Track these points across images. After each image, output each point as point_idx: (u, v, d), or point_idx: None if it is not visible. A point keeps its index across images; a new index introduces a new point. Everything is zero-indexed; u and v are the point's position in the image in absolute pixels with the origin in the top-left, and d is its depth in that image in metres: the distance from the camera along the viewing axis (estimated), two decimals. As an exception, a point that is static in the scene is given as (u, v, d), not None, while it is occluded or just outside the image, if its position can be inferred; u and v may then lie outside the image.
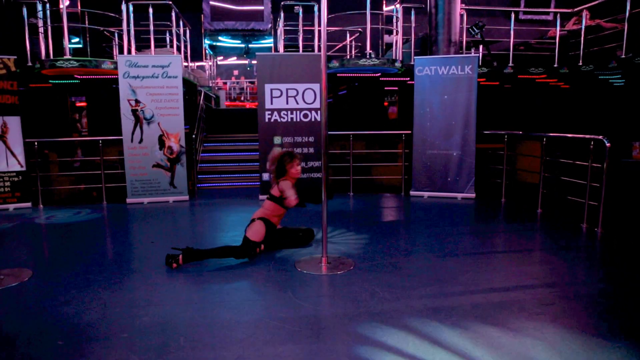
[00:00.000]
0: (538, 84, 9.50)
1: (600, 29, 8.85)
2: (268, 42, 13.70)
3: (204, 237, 5.21)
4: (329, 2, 3.98)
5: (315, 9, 8.19)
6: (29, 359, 2.57)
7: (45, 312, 3.15)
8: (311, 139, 7.25)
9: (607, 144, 5.00)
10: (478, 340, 2.68)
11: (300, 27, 8.76)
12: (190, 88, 9.64)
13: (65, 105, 9.79)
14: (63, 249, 4.82)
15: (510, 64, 8.69)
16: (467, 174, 7.10)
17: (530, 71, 8.87)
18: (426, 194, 7.35)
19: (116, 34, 9.31)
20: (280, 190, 4.23)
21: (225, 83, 19.98)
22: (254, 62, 14.22)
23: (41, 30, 7.54)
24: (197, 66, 12.95)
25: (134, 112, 6.94)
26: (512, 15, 8.73)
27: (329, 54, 10.43)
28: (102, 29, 9.37)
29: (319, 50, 7.24)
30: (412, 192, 7.46)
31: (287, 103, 7.13)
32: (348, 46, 10.65)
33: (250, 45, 14.51)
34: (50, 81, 8.80)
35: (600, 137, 5.13)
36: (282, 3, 9.09)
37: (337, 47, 11.23)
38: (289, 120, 7.16)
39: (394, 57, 8.62)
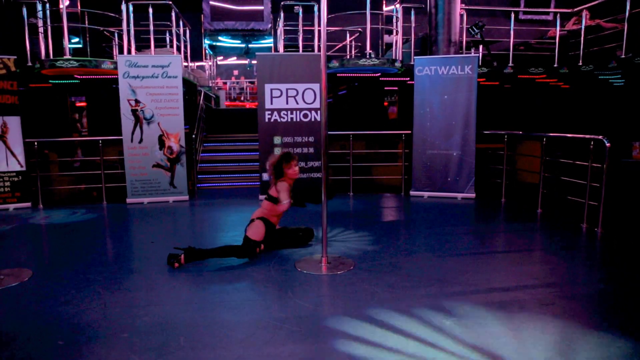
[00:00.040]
0: (538, 84, 9.50)
1: (600, 29, 8.85)
2: (268, 42, 13.70)
3: (204, 237, 5.21)
4: (329, 2, 3.98)
5: (315, 9, 8.19)
6: (29, 359, 2.57)
7: (45, 312, 3.15)
8: (311, 139, 7.25)
9: (607, 144, 5.00)
10: (478, 341, 2.68)
11: (300, 27, 8.76)
12: (190, 88, 9.64)
13: (65, 105, 9.79)
14: (63, 249, 4.82)
15: (510, 64, 8.69)
16: (467, 174, 7.10)
17: (530, 71, 8.87)
18: (426, 194, 7.35)
19: (116, 34, 9.31)
20: (276, 191, 4.26)
21: (225, 83, 19.98)
22: (254, 62, 14.22)
23: (41, 30, 7.54)
24: (197, 66, 12.95)
25: (134, 112, 6.94)
26: (512, 15, 8.73)
27: (329, 54, 10.42)
28: (102, 29, 9.36)
29: (319, 50, 7.24)
30: (412, 192, 7.46)
31: (287, 103, 7.13)
32: (348, 46, 10.65)
33: (250, 45, 14.51)
34: (50, 81, 8.80)
35: (600, 137, 5.13)
36: (282, 3, 9.09)
37: (337, 47, 11.23)
38: (289, 120, 7.16)
39: (394, 57, 8.62)
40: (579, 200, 5.55)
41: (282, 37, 9.25)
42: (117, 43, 9.45)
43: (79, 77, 8.44)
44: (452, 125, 7.11)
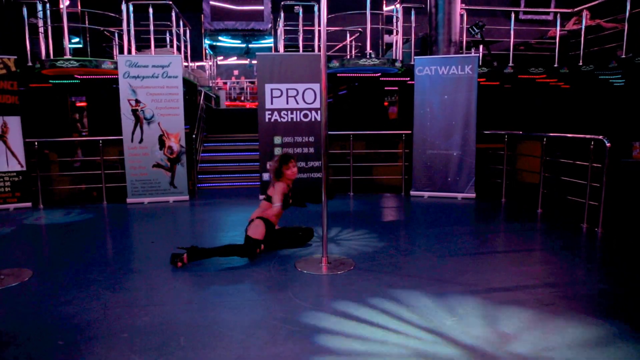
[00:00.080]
0: (538, 84, 9.50)
1: (600, 29, 8.85)
2: (268, 42, 13.70)
3: (204, 237, 5.21)
4: (329, 2, 3.98)
5: (315, 8, 8.18)
6: (29, 359, 2.57)
7: (45, 312, 3.15)
8: (311, 139, 7.25)
9: (607, 144, 5.00)
10: (478, 340, 2.68)
11: (300, 27, 8.76)
12: (190, 88, 9.64)
13: (66, 105, 9.79)
14: (63, 249, 4.82)
15: (511, 64, 8.69)
16: (467, 174, 7.10)
17: (530, 71, 8.87)
18: (426, 194, 7.35)
19: (116, 34, 9.32)
20: (273, 192, 4.31)
21: (225, 83, 19.97)
22: (254, 62, 14.22)
23: (41, 30, 7.54)
24: (197, 66, 12.95)
25: (134, 112, 6.94)
26: (512, 15, 8.73)
27: (329, 54, 10.42)
28: (102, 29, 9.37)
29: (319, 50, 7.23)
30: (412, 192, 7.46)
31: (287, 103, 7.13)
32: (348, 46, 10.65)
33: (250, 45, 14.50)
34: (51, 81, 8.80)
35: (601, 137, 5.13)
36: (282, 3, 9.09)
37: (337, 47, 11.23)
38: (289, 120, 7.16)
39: (394, 57, 8.61)
40: (579, 200, 5.55)
41: (282, 37, 9.25)
42: (117, 43, 9.46)
43: (79, 77, 8.44)
44: (452, 125, 7.11)
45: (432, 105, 7.21)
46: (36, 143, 7.06)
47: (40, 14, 7.64)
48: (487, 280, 3.67)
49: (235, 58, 19.17)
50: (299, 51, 8.73)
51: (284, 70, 7.07)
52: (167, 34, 9.81)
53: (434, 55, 7.78)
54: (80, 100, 10.49)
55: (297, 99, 7.14)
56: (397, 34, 8.69)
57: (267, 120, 7.12)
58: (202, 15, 12.40)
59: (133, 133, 6.98)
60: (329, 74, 7.57)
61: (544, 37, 10.54)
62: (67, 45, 7.35)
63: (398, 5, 8.73)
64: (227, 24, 12.46)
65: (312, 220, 5.52)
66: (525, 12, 12.75)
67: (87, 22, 9.69)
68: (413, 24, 8.77)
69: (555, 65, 8.77)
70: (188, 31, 9.89)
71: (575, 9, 8.88)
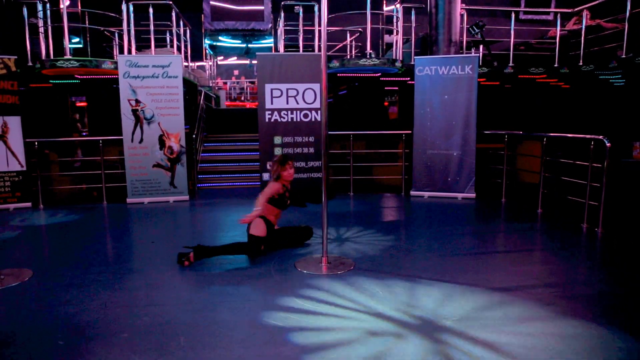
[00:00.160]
0: (538, 84, 9.50)
1: (600, 29, 8.84)
2: (268, 42, 13.69)
3: (205, 237, 5.21)
4: (329, 2, 3.98)
5: (316, 8, 8.18)
6: (29, 359, 2.57)
7: (45, 312, 3.16)
8: (311, 139, 7.25)
9: (608, 144, 5.00)
10: (478, 340, 2.68)
11: (301, 27, 8.76)
12: (190, 88, 9.64)
13: (66, 105, 9.79)
14: (63, 249, 4.82)
15: (511, 64, 8.68)
16: (468, 174, 7.10)
17: (530, 71, 8.86)
18: (426, 194, 7.35)
19: (116, 34, 9.32)
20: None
21: (225, 83, 19.96)
22: (254, 62, 14.21)
23: (41, 30, 7.54)
24: (198, 66, 12.95)
25: (134, 112, 6.95)
26: (513, 15, 8.72)
27: (329, 54, 10.42)
28: (102, 29, 9.37)
29: (319, 50, 7.23)
30: (412, 192, 7.46)
31: (287, 103, 7.13)
32: (348, 46, 10.64)
33: (250, 45, 14.50)
34: (51, 81, 8.80)
35: (601, 137, 5.13)
36: (282, 3, 9.09)
37: (338, 47, 11.23)
38: (289, 120, 7.16)
39: (394, 57, 8.61)
40: (579, 200, 5.55)
41: (283, 37, 9.25)
42: (117, 43, 9.46)
43: (79, 77, 8.44)
44: (453, 125, 7.11)
45: (432, 105, 7.20)
46: (36, 143, 7.07)
47: (40, 14, 7.64)
48: (487, 280, 3.67)
49: (235, 58, 19.17)
50: (299, 51, 8.73)
51: (284, 70, 7.07)
52: (167, 34, 9.81)
53: (434, 55, 7.77)
54: (80, 100, 10.49)
55: (297, 99, 7.13)
56: (397, 34, 8.69)
57: (267, 120, 7.12)
58: (202, 15, 12.40)
59: (133, 133, 6.99)
60: (329, 74, 7.57)
61: (544, 37, 10.53)
62: (67, 45, 7.35)
63: (398, 5, 8.73)
64: (227, 24, 12.46)
65: (312, 221, 5.52)
66: (525, 12, 12.75)
67: (87, 22, 9.69)
68: (413, 24, 8.76)
69: (556, 65, 8.76)
70: (188, 31, 9.89)
71: (576, 9, 8.88)
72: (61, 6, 7.23)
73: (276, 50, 11.06)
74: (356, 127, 8.52)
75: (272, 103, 7.10)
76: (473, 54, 8.26)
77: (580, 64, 8.40)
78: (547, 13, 12.88)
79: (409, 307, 3.16)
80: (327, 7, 3.89)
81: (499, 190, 7.15)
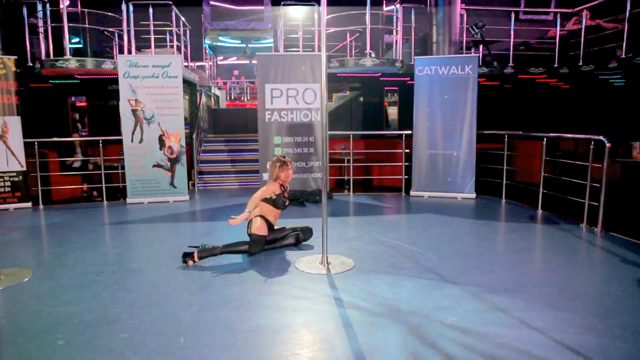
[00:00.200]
0: (538, 84, 9.51)
1: (600, 29, 8.85)
2: (268, 42, 13.70)
3: (205, 237, 5.20)
4: (329, 2, 3.98)
5: (316, 8, 8.18)
6: (29, 359, 2.57)
7: (45, 312, 3.15)
8: (311, 139, 7.25)
9: (607, 144, 5.00)
10: (478, 340, 2.68)
11: (301, 27, 8.76)
12: (190, 88, 9.65)
13: (66, 105, 9.79)
14: (63, 249, 4.82)
15: (511, 64, 8.69)
16: (468, 174, 7.10)
17: (530, 71, 8.87)
18: (426, 194, 7.35)
19: (116, 34, 9.31)
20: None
21: (225, 83, 19.95)
22: (254, 62, 14.21)
23: (41, 30, 7.54)
24: (198, 66, 12.94)
25: (134, 112, 6.94)
26: (512, 15, 8.74)
27: (329, 53, 10.42)
28: (102, 29, 9.37)
29: (319, 50, 7.24)
30: (412, 192, 7.46)
31: (287, 103, 7.13)
32: (348, 46, 10.65)
33: (250, 45, 14.50)
34: (51, 81, 8.81)
35: (601, 137, 5.13)
36: (282, 3, 9.08)
37: (337, 47, 11.23)
38: (289, 120, 7.16)
39: (394, 57, 8.62)
40: (579, 200, 5.55)
41: (283, 37, 9.25)
42: (117, 43, 9.46)
43: (79, 77, 8.44)
44: (453, 125, 7.11)
45: (432, 105, 7.20)
46: (36, 143, 7.06)
47: (40, 14, 7.65)
48: (487, 280, 3.67)
49: (235, 58, 19.16)
50: (299, 51, 8.73)
51: (284, 71, 7.07)
52: (167, 34, 9.81)
53: (434, 55, 7.78)
54: (80, 100, 10.49)
55: (297, 99, 7.14)
56: (397, 34, 8.70)
57: (267, 120, 7.12)
58: (202, 15, 12.41)
59: (133, 133, 6.98)
60: (329, 74, 7.58)
61: (544, 37, 10.54)
62: (67, 45, 7.35)
63: (398, 5, 8.74)
64: (227, 23, 12.46)
65: (312, 220, 5.52)
66: (525, 12, 12.74)
67: (87, 22, 9.70)
68: (413, 24, 8.77)
69: (555, 65, 8.77)
70: (188, 31, 9.89)
71: (575, 9, 8.89)
72: (61, 6, 7.24)
73: (276, 50, 11.07)
74: (356, 127, 8.52)
75: (272, 103, 7.11)
76: (473, 54, 8.27)
77: (580, 64, 8.40)
78: (547, 13, 12.88)
79: (409, 306, 3.16)
80: (327, 7, 3.89)
81: (499, 190, 7.15)
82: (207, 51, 13.83)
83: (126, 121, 6.94)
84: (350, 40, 10.53)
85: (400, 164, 7.93)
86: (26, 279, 3.79)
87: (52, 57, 7.44)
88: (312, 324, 2.93)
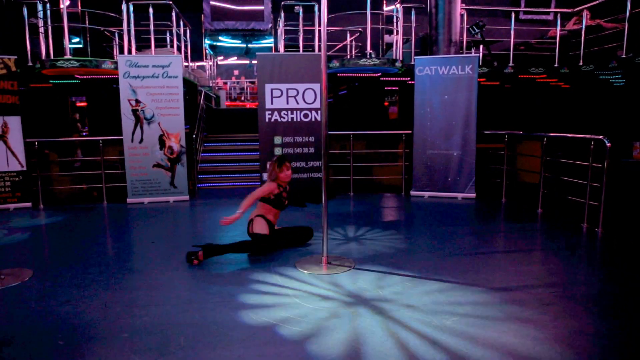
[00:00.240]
0: (538, 84, 9.50)
1: (600, 28, 8.85)
2: (268, 42, 13.70)
3: (205, 237, 5.21)
4: (329, 2, 3.98)
5: (316, 8, 8.18)
6: (29, 359, 2.57)
7: (45, 312, 3.16)
8: (311, 138, 7.25)
9: (608, 144, 5.00)
10: (478, 341, 2.68)
11: (301, 27, 8.75)
12: (190, 88, 9.64)
13: (66, 105, 9.79)
14: (63, 249, 4.82)
15: (511, 64, 8.68)
16: (468, 174, 7.10)
17: (530, 71, 8.86)
18: (426, 194, 7.35)
19: (116, 34, 9.32)
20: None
21: (225, 83, 19.95)
22: (254, 62, 14.21)
23: (41, 30, 7.54)
24: (198, 66, 12.95)
25: (135, 112, 6.95)
26: (513, 15, 8.72)
27: (329, 54, 10.42)
28: (102, 29, 9.37)
29: (319, 50, 7.23)
30: (412, 192, 7.46)
31: (287, 103, 7.13)
32: (348, 46, 10.65)
33: (250, 45, 14.50)
34: (51, 81, 8.80)
35: (601, 137, 5.13)
36: (282, 3, 9.09)
37: (338, 47, 11.23)
38: (289, 120, 7.16)
39: (394, 57, 8.61)
40: (579, 200, 5.55)
41: (283, 37, 9.25)
42: (117, 43, 9.46)
43: (79, 77, 8.44)
44: (453, 125, 7.11)
45: (432, 105, 7.20)
46: (36, 143, 7.07)
47: (40, 14, 7.64)
48: (487, 280, 3.67)
49: (235, 58, 19.17)
50: (299, 51, 8.73)
51: (284, 70, 7.07)
52: (168, 34, 9.81)
53: (434, 55, 7.78)
54: (80, 100, 10.49)
55: (297, 99, 7.14)
56: (397, 34, 8.69)
57: (267, 120, 7.12)
58: (202, 15, 12.41)
59: (133, 133, 6.99)
60: (329, 74, 7.57)
61: (544, 37, 10.54)
62: (67, 45, 7.35)
63: (398, 5, 8.73)
64: (227, 24, 12.46)
65: (312, 221, 5.52)
66: (525, 12, 12.75)
67: (87, 22, 9.69)
68: (413, 24, 8.76)
69: (556, 65, 8.76)
70: (188, 31, 9.89)
71: (576, 9, 8.88)
72: (61, 6, 7.23)
73: (276, 50, 11.07)
74: (356, 127, 8.52)
75: (272, 103, 7.11)
76: (473, 54, 8.27)
77: (580, 64, 8.40)
78: (547, 13, 12.88)
79: (410, 307, 3.16)
80: (327, 7, 3.89)
81: (499, 190, 7.15)
82: (207, 51, 13.83)
83: (126, 121, 6.94)
84: (351, 40, 10.53)
85: (400, 164, 7.94)
86: (26, 279, 3.79)
87: (52, 57, 7.44)
88: (313, 324, 2.93)
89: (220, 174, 8.99)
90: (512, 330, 2.80)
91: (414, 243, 4.92)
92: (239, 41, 14.15)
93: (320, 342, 2.70)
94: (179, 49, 9.03)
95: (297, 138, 7.22)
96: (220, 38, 13.60)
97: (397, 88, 10.40)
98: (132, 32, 7.70)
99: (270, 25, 12.57)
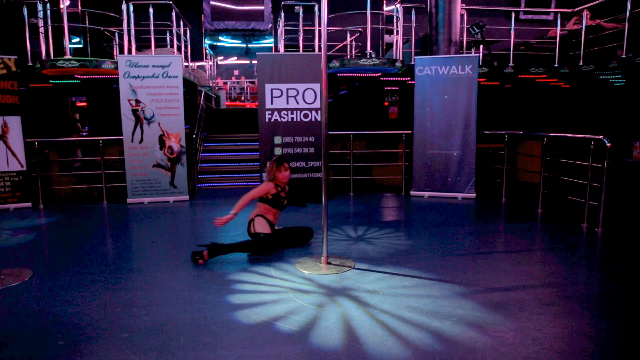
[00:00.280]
0: (538, 83, 9.50)
1: (600, 28, 8.85)
2: (268, 42, 13.71)
3: (205, 237, 5.21)
4: (329, 2, 3.98)
5: (316, 8, 8.19)
6: (29, 359, 2.57)
7: (45, 312, 3.16)
8: (311, 138, 7.25)
9: (608, 144, 5.00)
10: (478, 341, 2.68)
11: (301, 27, 8.76)
12: (190, 88, 9.64)
13: (66, 105, 9.79)
14: (63, 249, 4.82)
15: (511, 64, 8.69)
16: (468, 174, 7.10)
17: (530, 71, 8.87)
18: (426, 194, 7.35)
19: (116, 34, 9.32)
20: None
21: (225, 83, 19.95)
22: (254, 62, 14.21)
23: (41, 30, 7.54)
24: (198, 66, 12.95)
25: (135, 112, 6.95)
26: (513, 15, 8.73)
27: (329, 53, 10.43)
28: (102, 29, 9.37)
29: (319, 50, 7.24)
30: (412, 192, 7.46)
31: (287, 103, 7.13)
32: (348, 46, 10.65)
33: (250, 45, 14.51)
34: (51, 81, 8.80)
35: (601, 137, 5.13)
36: (282, 3, 9.09)
37: (338, 47, 11.23)
38: (289, 120, 7.16)
39: (394, 57, 8.62)
40: (579, 200, 5.55)
41: (283, 37, 9.25)
42: (117, 43, 9.46)
43: (79, 77, 8.44)
44: (453, 125, 7.11)
45: (432, 105, 7.20)
46: (36, 143, 7.07)
47: (40, 14, 7.65)
48: (488, 280, 3.67)
49: (235, 58, 19.17)
50: (299, 51, 8.73)
51: (284, 70, 7.07)
52: (168, 34, 9.81)
53: (434, 55, 7.78)
54: (80, 100, 10.49)
55: (297, 99, 7.14)
56: (397, 34, 8.70)
57: (267, 120, 7.12)
58: (203, 15, 12.41)
59: (133, 133, 6.99)
60: (329, 74, 7.57)
61: (544, 37, 10.54)
62: (68, 45, 7.35)
63: (398, 5, 8.74)
64: (227, 24, 12.47)
65: (312, 221, 5.52)
66: (525, 12, 12.74)
67: (87, 22, 9.70)
68: (413, 24, 8.77)
69: (556, 65, 8.77)
70: (188, 31, 9.89)
71: (576, 9, 8.88)
72: (61, 6, 7.23)
73: (276, 50, 11.07)
74: (356, 127, 8.52)
75: (272, 103, 7.11)
76: (473, 54, 8.27)
77: (580, 64, 8.40)
78: (547, 13, 12.88)
79: (410, 308, 3.16)
80: (327, 7, 3.89)
81: (499, 190, 7.15)
82: (207, 51, 13.83)
83: (126, 121, 6.95)
84: (351, 40, 10.53)
85: (400, 164, 7.94)
86: (26, 279, 3.79)
87: (52, 57, 7.44)
88: (313, 324, 2.93)
89: (220, 174, 8.99)
90: (511, 330, 2.80)
91: (414, 243, 4.92)
92: (239, 41, 14.15)
93: (320, 342, 2.70)
94: (179, 49, 9.03)
95: (297, 138, 7.22)
96: (220, 38, 13.61)
97: (397, 88, 10.40)
98: (132, 32, 7.70)
99: (270, 25, 12.58)
